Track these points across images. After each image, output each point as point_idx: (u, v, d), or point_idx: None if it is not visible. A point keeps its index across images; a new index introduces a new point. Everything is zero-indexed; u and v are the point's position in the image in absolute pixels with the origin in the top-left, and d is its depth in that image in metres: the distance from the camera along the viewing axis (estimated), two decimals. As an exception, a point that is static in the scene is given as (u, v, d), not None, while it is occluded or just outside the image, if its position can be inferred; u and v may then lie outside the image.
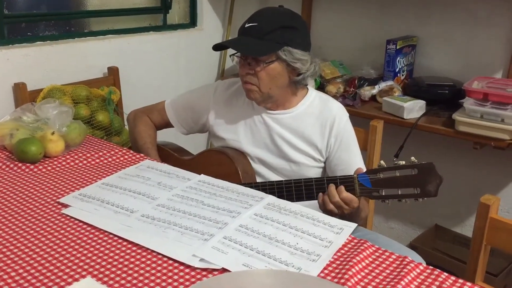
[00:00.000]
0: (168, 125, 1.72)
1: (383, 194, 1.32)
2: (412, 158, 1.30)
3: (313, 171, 1.54)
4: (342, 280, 0.94)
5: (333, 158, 1.52)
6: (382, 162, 1.33)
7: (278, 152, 1.54)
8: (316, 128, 1.52)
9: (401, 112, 2.06)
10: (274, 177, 1.54)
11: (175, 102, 1.69)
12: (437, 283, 0.95)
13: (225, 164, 1.52)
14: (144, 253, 1.03)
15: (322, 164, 1.56)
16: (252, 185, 1.44)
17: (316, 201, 1.39)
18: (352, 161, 1.50)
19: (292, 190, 1.41)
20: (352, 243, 1.08)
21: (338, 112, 1.53)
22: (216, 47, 1.53)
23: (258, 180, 1.55)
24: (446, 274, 0.98)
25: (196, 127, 1.68)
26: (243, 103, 1.58)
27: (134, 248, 1.04)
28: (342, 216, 1.33)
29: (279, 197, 1.38)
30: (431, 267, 1.00)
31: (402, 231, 2.66)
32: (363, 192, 1.34)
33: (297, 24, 1.45)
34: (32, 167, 1.43)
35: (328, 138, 1.51)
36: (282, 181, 1.43)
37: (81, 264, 0.99)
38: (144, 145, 1.65)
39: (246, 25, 1.45)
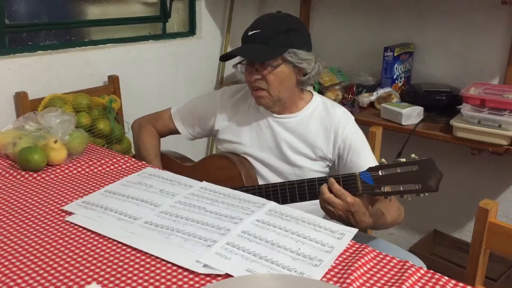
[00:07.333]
0: (172, 132, 1.74)
1: (385, 190, 1.32)
2: (413, 155, 1.31)
3: (316, 175, 1.55)
4: (345, 285, 0.95)
5: (346, 162, 1.53)
6: (383, 160, 1.34)
7: (282, 156, 1.56)
8: (320, 132, 1.54)
9: (399, 119, 2.08)
10: (277, 179, 1.56)
11: (182, 110, 1.72)
12: (438, 287, 0.97)
13: (228, 168, 1.54)
14: (148, 259, 1.04)
15: (327, 169, 1.58)
16: (255, 187, 1.46)
17: (318, 207, 1.39)
18: (365, 163, 1.48)
19: (295, 190, 1.42)
20: (353, 248, 1.09)
21: (342, 117, 1.55)
22: (224, 57, 1.55)
23: (261, 183, 1.56)
24: (446, 278, 0.99)
25: (203, 133, 1.72)
26: (249, 107, 1.61)
27: (138, 255, 1.06)
28: (344, 219, 1.33)
29: (282, 198, 1.39)
30: (431, 271, 1.01)
31: (401, 237, 2.68)
32: (365, 189, 1.34)
33: (297, 26, 1.50)
34: (35, 175, 1.44)
35: (334, 143, 1.53)
36: (285, 182, 1.44)
37: (85, 270, 1.00)
38: (148, 156, 1.68)
39: (249, 33, 1.47)
